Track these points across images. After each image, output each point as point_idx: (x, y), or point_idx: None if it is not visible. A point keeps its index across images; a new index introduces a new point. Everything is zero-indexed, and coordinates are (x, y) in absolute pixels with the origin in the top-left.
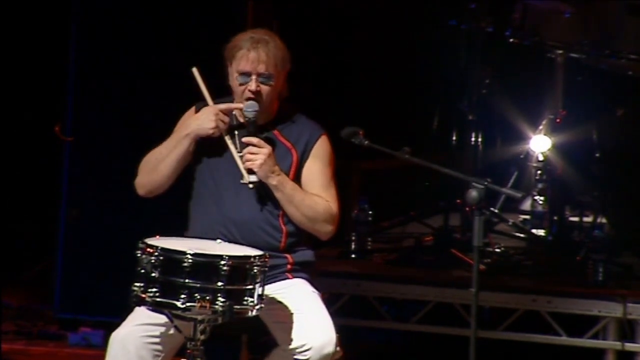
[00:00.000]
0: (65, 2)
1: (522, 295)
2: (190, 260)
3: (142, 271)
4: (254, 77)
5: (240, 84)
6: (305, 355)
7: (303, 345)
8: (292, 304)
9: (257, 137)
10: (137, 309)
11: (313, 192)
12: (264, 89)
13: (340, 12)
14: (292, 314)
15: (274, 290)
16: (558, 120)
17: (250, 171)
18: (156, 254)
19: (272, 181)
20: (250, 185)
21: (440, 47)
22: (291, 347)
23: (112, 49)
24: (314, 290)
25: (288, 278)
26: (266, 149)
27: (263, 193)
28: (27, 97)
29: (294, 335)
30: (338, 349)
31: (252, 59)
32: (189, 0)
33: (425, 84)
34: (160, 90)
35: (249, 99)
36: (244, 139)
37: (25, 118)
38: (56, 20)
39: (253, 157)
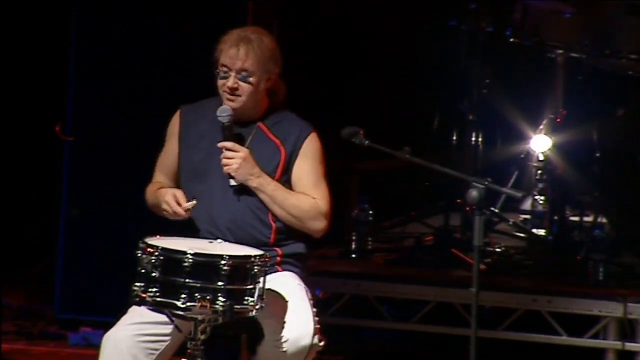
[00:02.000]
0: (65, 1)
1: (522, 295)
2: (190, 260)
3: (143, 271)
4: (233, 73)
5: (221, 78)
6: (282, 348)
7: (281, 337)
8: (276, 296)
9: (232, 140)
10: (130, 308)
11: (302, 190)
12: (243, 86)
13: (340, 12)
14: (275, 307)
15: None
16: (558, 120)
17: (230, 175)
18: (156, 253)
19: (252, 183)
20: (233, 183)
21: (441, 47)
22: (273, 339)
23: (112, 49)
24: (300, 283)
25: (278, 270)
26: (242, 153)
27: (251, 190)
28: (27, 97)
29: (276, 328)
30: (317, 340)
31: (231, 55)
32: (189, 0)
33: (425, 84)
34: (160, 90)
35: (227, 98)
36: (219, 144)
37: (26, 118)
38: (56, 20)
39: (229, 162)
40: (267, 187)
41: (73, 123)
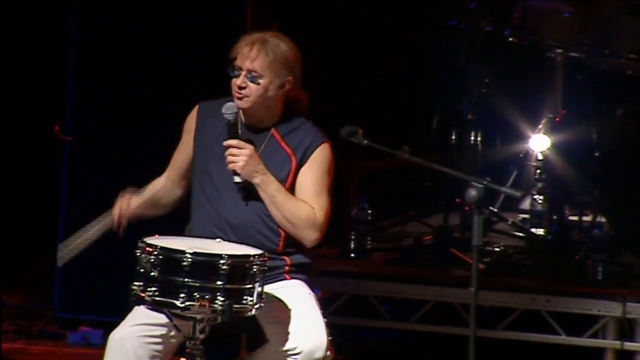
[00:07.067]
0: (65, 1)
1: (521, 295)
2: (189, 260)
3: (142, 270)
4: (243, 72)
5: (232, 77)
6: (295, 358)
7: (294, 348)
8: (287, 304)
9: (237, 138)
10: (135, 308)
11: (303, 197)
12: (251, 86)
13: (339, 13)
14: (286, 314)
15: (270, 289)
16: (557, 119)
17: (236, 172)
18: (155, 253)
19: (256, 180)
20: (237, 179)
21: (440, 46)
22: (282, 348)
23: (111, 49)
24: (311, 292)
25: (286, 279)
26: (247, 150)
27: (260, 197)
28: (27, 97)
29: (285, 336)
30: (329, 353)
31: (243, 54)
32: (189, 0)
33: (425, 83)
34: (160, 89)
35: (236, 97)
36: (224, 143)
37: (25, 118)
38: (56, 19)
39: (235, 159)
40: (270, 186)
41: (73, 123)
